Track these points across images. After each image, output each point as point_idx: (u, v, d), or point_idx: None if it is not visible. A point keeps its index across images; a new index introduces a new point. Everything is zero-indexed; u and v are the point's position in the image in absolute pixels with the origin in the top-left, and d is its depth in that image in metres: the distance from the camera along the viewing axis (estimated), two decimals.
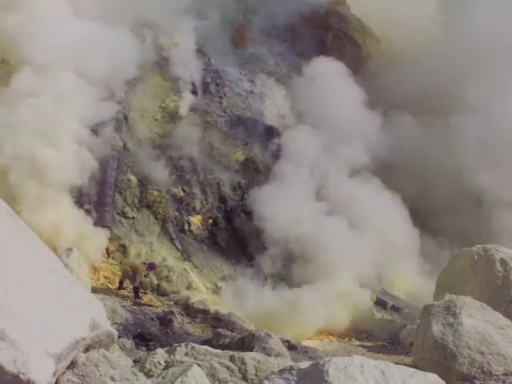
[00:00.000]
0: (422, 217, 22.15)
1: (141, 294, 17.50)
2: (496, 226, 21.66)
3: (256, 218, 20.59)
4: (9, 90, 19.08)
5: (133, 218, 20.53)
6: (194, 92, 23.59)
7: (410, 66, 24.73)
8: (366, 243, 19.23)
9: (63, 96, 19.30)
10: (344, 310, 18.43)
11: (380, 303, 19.90)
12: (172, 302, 17.58)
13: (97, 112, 20.18)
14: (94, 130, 20.46)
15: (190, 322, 16.25)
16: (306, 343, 15.87)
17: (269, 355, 9.26)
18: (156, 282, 18.40)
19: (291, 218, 19.79)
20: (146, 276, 17.78)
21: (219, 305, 18.33)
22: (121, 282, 17.91)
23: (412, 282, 21.15)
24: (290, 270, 19.75)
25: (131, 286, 17.70)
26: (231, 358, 7.78)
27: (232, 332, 14.05)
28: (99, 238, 19.03)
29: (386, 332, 17.64)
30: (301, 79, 24.02)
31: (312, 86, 23.16)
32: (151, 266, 18.13)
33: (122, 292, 17.85)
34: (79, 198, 19.69)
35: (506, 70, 23.72)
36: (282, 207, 20.05)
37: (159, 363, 7.80)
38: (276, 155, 22.72)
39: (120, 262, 18.97)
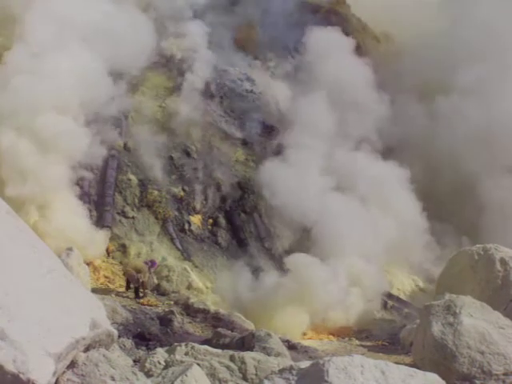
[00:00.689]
0: (425, 202, 22.30)
1: (141, 294, 17.53)
2: (491, 209, 22.04)
3: (265, 193, 20.64)
4: (4, 67, 19.06)
5: (133, 217, 20.52)
6: (195, 92, 23.58)
7: (410, 59, 25.49)
8: (376, 221, 19.35)
9: (63, 76, 19.25)
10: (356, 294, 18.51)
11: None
12: (172, 302, 17.58)
13: (97, 93, 20.07)
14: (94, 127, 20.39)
15: (190, 322, 16.24)
16: (306, 343, 15.86)
17: (269, 355, 9.25)
18: (156, 281, 18.41)
19: (299, 195, 19.81)
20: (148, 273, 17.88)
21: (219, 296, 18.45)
22: (128, 283, 17.86)
23: (420, 261, 21.35)
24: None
25: (135, 286, 17.76)
26: (231, 358, 7.78)
27: (232, 332, 14.04)
28: (100, 238, 19.03)
29: (385, 332, 17.63)
30: (307, 49, 24.25)
31: (316, 56, 23.46)
32: (153, 264, 18.16)
33: (123, 291, 17.87)
34: (79, 198, 19.70)
35: (501, 60, 24.43)
36: (290, 183, 20.07)
37: (159, 363, 7.80)
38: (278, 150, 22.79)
39: (120, 263, 18.99)
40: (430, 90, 24.81)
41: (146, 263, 18.02)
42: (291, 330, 16.64)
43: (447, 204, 22.76)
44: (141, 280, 17.48)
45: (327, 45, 23.71)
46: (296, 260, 18.35)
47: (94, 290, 15.54)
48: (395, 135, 23.17)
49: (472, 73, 23.75)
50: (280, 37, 26.36)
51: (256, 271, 19.50)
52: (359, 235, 19.05)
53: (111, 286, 18.17)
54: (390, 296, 20.35)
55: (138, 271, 17.50)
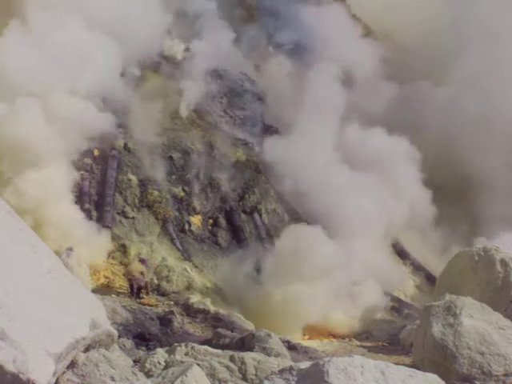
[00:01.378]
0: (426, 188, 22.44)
1: (143, 294, 17.57)
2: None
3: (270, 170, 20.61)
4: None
5: (133, 217, 20.52)
6: (195, 92, 23.55)
7: (410, 56, 26.13)
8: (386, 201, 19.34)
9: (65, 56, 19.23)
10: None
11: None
12: (172, 302, 17.58)
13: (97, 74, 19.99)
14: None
15: (190, 322, 16.24)
16: (305, 343, 15.86)
17: (269, 355, 9.25)
18: (156, 281, 18.42)
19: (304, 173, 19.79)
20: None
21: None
22: (132, 288, 17.84)
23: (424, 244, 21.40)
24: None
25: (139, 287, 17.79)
26: (231, 358, 7.78)
27: (232, 332, 14.04)
28: (101, 239, 19.02)
29: (386, 332, 17.63)
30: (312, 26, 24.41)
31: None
32: (144, 261, 18.23)
33: (123, 291, 17.89)
34: (80, 198, 19.71)
35: (499, 52, 25.13)
36: (296, 161, 20.05)
37: (159, 363, 7.80)
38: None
39: (120, 263, 19.01)
40: (428, 82, 25.58)
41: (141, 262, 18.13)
42: (292, 324, 16.54)
43: (446, 191, 23.02)
44: (144, 280, 17.56)
45: (332, 23, 23.94)
46: (296, 232, 17.97)
47: (94, 291, 15.55)
48: (394, 124, 23.43)
49: (470, 66, 24.51)
50: (281, 36, 26.45)
51: (256, 271, 19.51)
52: (368, 216, 18.91)
53: (111, 286, 18.22)
54: (391, 297, 20.35)
55: (141, 273, 17.56)
